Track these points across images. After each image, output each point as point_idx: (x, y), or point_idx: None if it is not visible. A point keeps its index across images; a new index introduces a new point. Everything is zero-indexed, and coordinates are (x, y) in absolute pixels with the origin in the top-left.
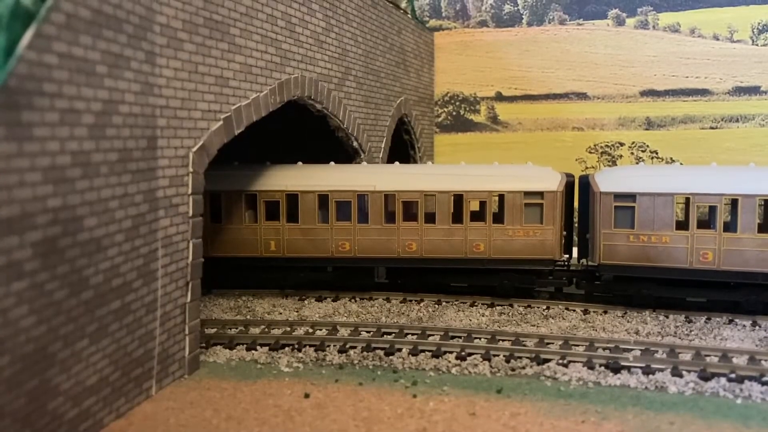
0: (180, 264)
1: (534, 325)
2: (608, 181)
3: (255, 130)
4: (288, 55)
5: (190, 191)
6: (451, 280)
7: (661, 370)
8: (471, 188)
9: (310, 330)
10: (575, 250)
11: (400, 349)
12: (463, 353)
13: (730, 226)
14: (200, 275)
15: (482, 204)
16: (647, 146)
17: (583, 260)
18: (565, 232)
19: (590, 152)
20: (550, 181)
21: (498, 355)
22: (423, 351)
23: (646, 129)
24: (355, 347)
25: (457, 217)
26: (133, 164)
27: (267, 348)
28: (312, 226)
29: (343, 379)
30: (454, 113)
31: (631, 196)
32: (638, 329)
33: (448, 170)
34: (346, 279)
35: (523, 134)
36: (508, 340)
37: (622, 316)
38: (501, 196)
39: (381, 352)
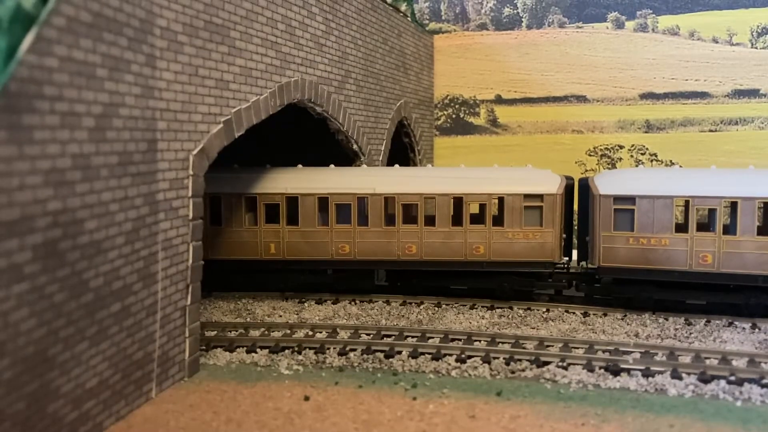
0: (180, 267)
1: (534, 328)
2: (608, 183)
3: (255, 133)
4: (288, 58)
5: (190, 194)
6: (451, 282)
7: (661, 372)
8: (471, 191)
9: (310, 333)
10: (575, 253)
11: (399, 352)
12: (462, 356)
13: (729, 229)
14: (200, 278)
15: (482, 207)
16: (647, 149)
17: (583, 263)
18: (564, 235)
19: (590, 155)
20: (550, 184)
21: (498, 358)
22: (423, 353)
23: (646, 132)
24: (355, 350)
25: (456, 220)
26: (133, 167)
27: (267, 351)
28: (312, 228)
29: (342, 381)
30: (454, 116)
31: (631, 199)
32: (638, 332)
33: (448, 173)
34: (346, 281)
35: (522, 137)
36: (508, 343)
37: (622, 319)
38: (501, 199)
39: (381, 355)
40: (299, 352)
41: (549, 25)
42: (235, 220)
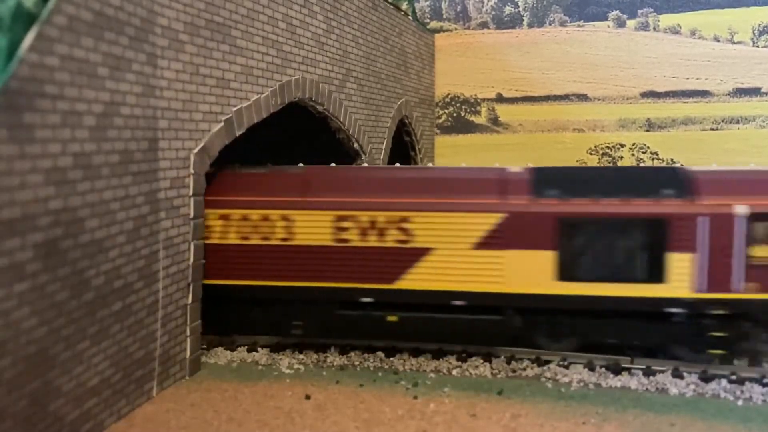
0: (181, 265)
1: None
2: None
3: (255, 132)
4: (289, 56)
5: (191, 193)
6: None
7: (662, 371)
8: None
9: None
10: None
11: (400, 351)
12: (463, 355)
13: None
14: (201, 276)
15: None
16: (648, 147)
17: None
18: None
19: (591, 154)
20: None
21: (499, 357)
22: (424, 352)
23: (647, 130)
24: (356, 349)
25: None
26: (134, 166)
27: (268, 349)
28: None
29: (344, 380)
30: (455, 115)
31: None
32: None
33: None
34: None
35: (523, 136)
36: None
37: None
38: None
39: (382, 354)
40: (300, 351)
41: (550, 24)
42: None
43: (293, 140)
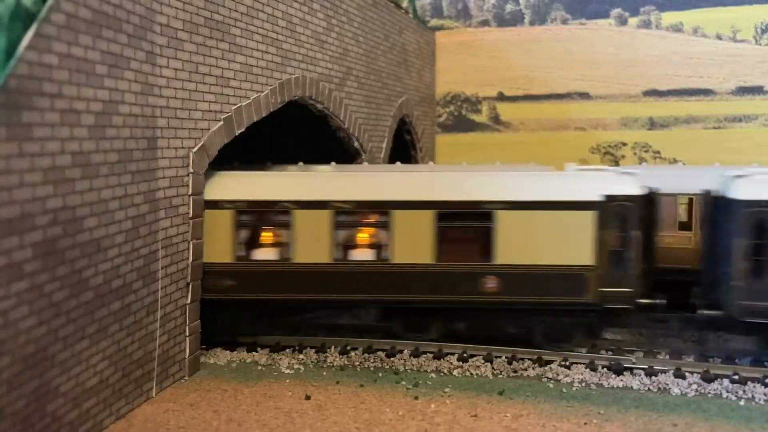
0: (180, 265)
1: None
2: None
3: (254, 130)
4: (289, 55)
5: (190, 192)
6: None
7: (664, 371)
8: None
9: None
10: None
11: (401, 351)
12: (465, 355)
13: None
14: (200, 276)
15: None
16: (650, 146)
17: None
18: None
19: (593, 152)
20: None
21: (500, 357)
22: (424, 353)
23: (649, 129)
24: (356, 349)
25: None
26: (133, 165)
27: (268, 349)
28: None
29: (344, 380)
30: (456, 113)
31: None
32: (641, 330)
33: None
34: None
35: (525, 134)
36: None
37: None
38: None
39: (382, 354)
40: (300, 351)
41: (552, 22)
42: None
43: (293, 139)
